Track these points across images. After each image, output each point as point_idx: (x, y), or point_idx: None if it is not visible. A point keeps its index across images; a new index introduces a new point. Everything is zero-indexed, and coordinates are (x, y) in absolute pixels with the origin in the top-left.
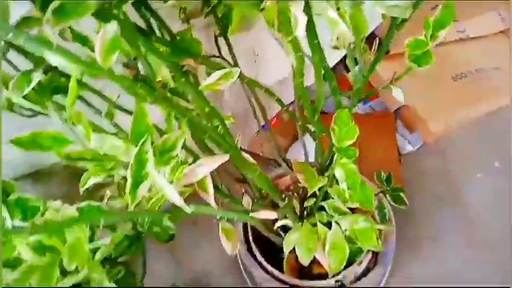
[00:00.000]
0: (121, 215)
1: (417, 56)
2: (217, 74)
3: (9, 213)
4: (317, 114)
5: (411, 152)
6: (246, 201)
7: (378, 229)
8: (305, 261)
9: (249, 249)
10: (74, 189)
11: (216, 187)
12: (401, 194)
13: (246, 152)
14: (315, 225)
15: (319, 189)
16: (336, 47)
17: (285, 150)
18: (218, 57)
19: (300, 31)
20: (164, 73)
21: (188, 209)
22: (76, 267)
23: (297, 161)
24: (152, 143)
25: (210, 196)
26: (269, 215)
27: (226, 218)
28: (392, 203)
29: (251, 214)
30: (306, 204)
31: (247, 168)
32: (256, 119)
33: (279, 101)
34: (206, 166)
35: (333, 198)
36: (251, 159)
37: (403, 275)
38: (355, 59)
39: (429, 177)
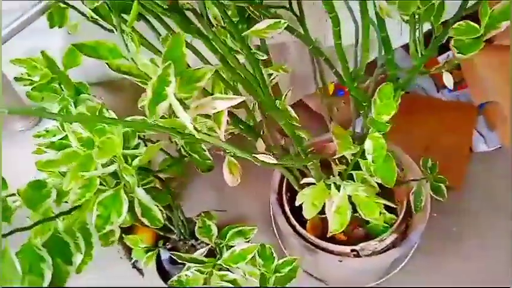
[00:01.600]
0: (142, 126)
1: (463, 42)
2: (266, 22)
3: (75, 107)
4: (357, 80)
5: (484, 152)
6: (260, 144)
7: (409, 216)
8: (308, 215)
9: (280, 200)
10: (136, 107)
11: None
12: (442, 185)
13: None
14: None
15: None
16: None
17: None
18: (283, 7)
19: None
20: (215, 12)
21: (196, 134)
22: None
23: (338, 126)
24: (182, 72)
25: (220, 131)
26: (266, 158)
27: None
28: (431, 192)
29: (253, 155)
30: (336, 169)
31: (275, 114)
32: (316, 82)
33: (336, 72)
34: (223, 102)
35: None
36: (290, 110)
37: (422, 264)
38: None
39: (493, 182)
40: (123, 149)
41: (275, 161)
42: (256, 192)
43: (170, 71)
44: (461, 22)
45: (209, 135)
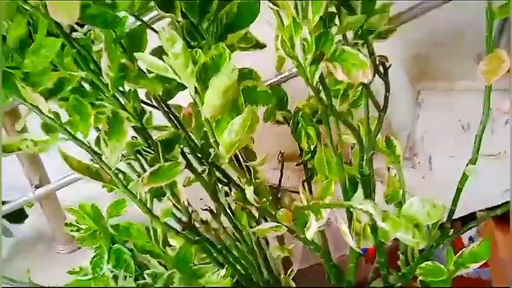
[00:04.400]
0: None
1: (430, 281)
2: (267, 224)
3: (108, 257)
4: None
5: None
6: None
7: None
8: None
9: None
10: None
11: None
12: None
13: None
14: None
15: None
16: None
17: None
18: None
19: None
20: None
21: None
22: None
23: None
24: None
25: None
26: None
27: None
28: None
29: None
30: None
31: None
32: None
33: None
34: None
35: None
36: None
37: None
38: None
39: None
40: None
41: None
42: None
43: (176, 276)
44: (428, 262)
45: None
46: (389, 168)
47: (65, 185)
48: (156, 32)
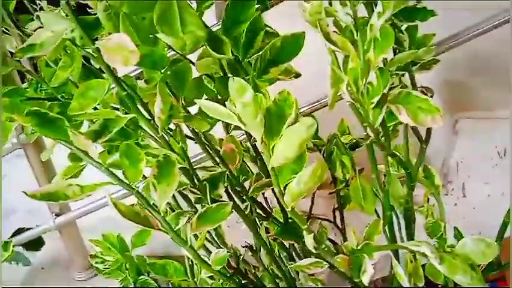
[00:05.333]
0: None
1: None
2: (307, 261)
3: None
4: None
5: None
6: None
7: None
8: None
9: None
10: None
11: None
12: None
13: None
14: None
15: None
16: None
17: None
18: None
19: None
20: None
21: None
22: None
23: None
24: None
25: None
26: None
27: None
28: None
29: None
30: None
31: None
32: None
33: None
34: None
35: None
36: None
37: None
38: None
39: None
40: None
41: None
42: None
43: None
44: None
45: None
46: (428, 199)
47: (86, 213)
48: (193, 63)
